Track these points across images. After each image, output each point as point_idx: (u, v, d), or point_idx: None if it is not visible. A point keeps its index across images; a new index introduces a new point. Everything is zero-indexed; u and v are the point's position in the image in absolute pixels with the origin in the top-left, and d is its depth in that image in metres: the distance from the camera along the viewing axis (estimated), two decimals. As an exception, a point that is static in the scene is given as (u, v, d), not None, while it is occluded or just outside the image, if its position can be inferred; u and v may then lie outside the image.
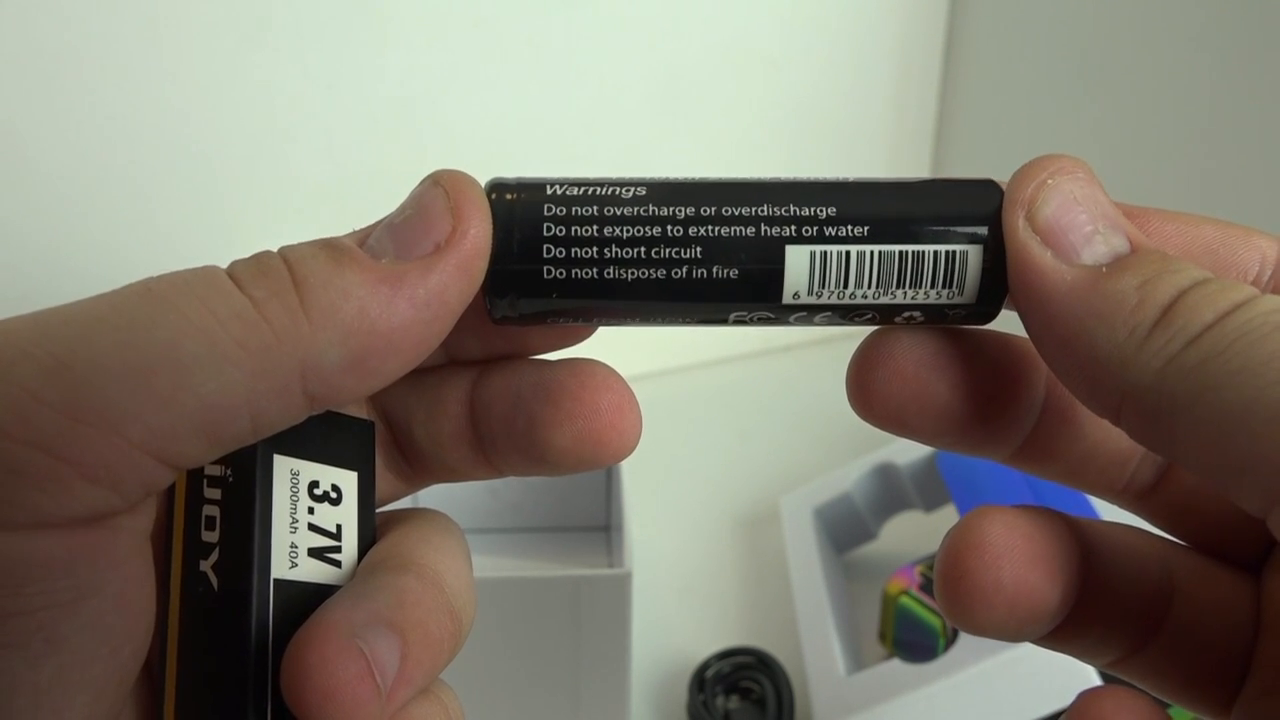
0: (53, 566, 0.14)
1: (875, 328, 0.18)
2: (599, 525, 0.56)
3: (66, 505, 0.13)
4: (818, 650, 0.45)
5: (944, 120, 0.75)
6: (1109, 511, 0.20)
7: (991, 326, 0.18)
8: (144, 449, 0.14)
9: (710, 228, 0.16)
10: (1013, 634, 0.17)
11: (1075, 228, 0.16)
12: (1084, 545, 0.18)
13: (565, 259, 0.16)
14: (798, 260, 0.16)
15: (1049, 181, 0.16)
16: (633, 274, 0.16)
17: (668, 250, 0.16)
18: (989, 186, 0.17)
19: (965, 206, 0.17)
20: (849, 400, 0.18)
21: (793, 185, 0.17)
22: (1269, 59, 0.48)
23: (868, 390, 0.17)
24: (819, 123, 0.72)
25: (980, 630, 0.17)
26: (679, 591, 0.54)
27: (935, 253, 0.16)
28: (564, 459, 0.17)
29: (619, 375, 0.18)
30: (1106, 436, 0.18)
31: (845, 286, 0.16)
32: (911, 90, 0.73)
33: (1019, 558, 0.17)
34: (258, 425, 0.15)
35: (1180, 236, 0.17)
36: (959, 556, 0.17)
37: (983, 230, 0.16)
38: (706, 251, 0.16)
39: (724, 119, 0.69)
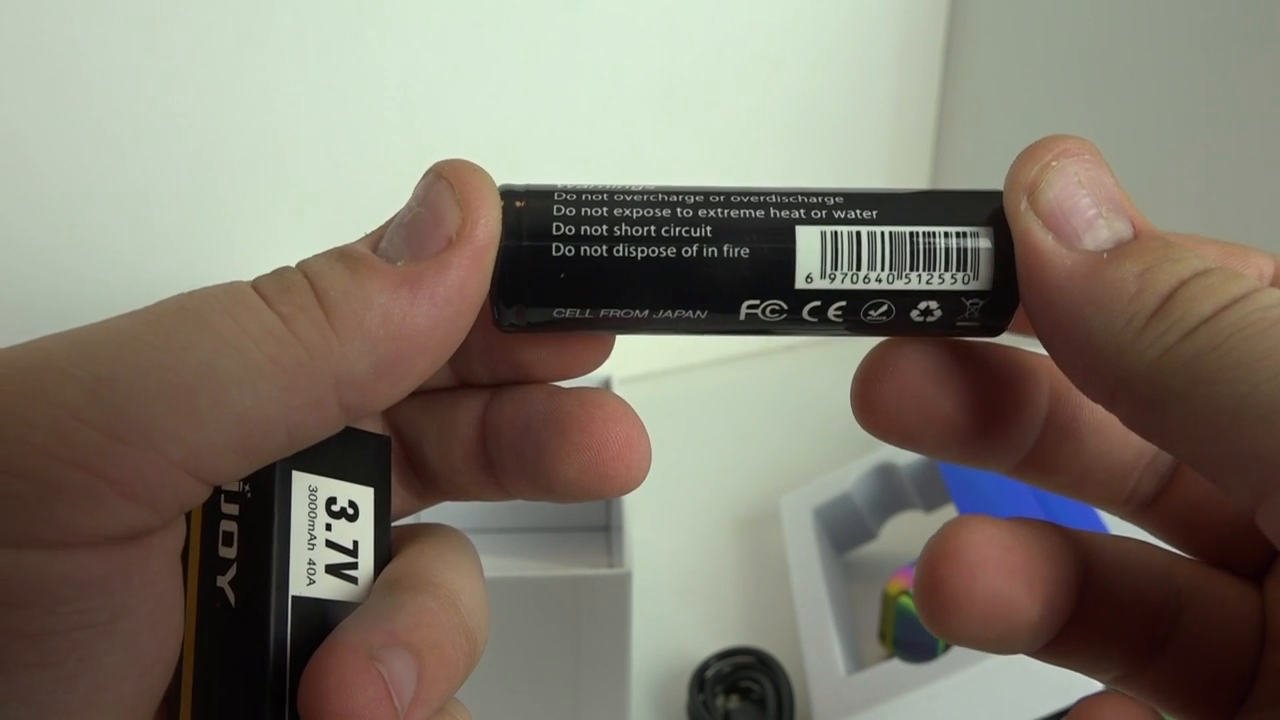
0: (88, 585, 0.14)
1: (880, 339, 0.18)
2: (599, 525, 0.56)
3: (103, 523, 0.13)
4: (818, 650, 0.46)
5: (944, 120, 0.75)
6: (1117, 524, 0.20)
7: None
8: (182, 466, 0.14)
9: (720, 210, 0.16)
10: (993, 645, 0.17)
11: (1078, 212, 0.15)
12: (1082, 559, 0.18)
13: (575, 235, 0.16)
14: (809, 240, 0.16)
15: (1053, 164, 0.16)
16: (642, 252, 0.16)
17: (677, 229, 0.16)
18: (996, 193, 0.17)
19: (974, 197, 0.17)
20: (853, 412, 0.18)
21: (799, 188, 0.17)
22: (1269, 59, 0.48)
23: (872, 403, 0.17)
24: (819, 123, 0.72)
25: (958, 639, 0.17)
26: (679, 591, 0.55)
27: (946, 233, 0.16)
28: (571, 490, 0.17)
29: (629, 406, 0.18)
30: (1108, 450, 0.18)
31: (858, 268, 0.16)
32: (911, 90, 0.73)
33: (993, 569, 0.17)
34: (294, 439, 0.15)
35: None
36: (934, 565, 0.17)
37: (992, 213, 0.16)
38: (716, 230, 0.16)
39: (724, 119, 0.69)
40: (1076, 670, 0.18)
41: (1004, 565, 0.17)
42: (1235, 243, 0.17)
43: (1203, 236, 0.17)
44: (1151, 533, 0.19)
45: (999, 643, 0.17)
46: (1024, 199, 0.16)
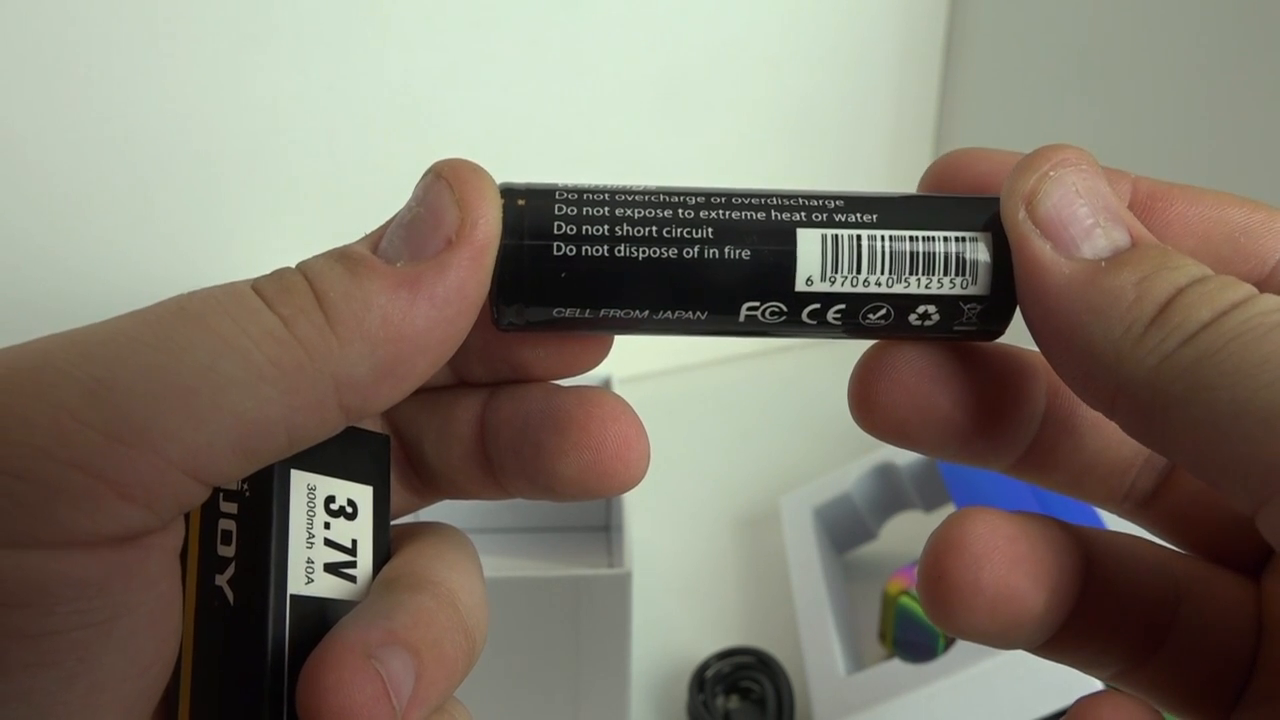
0: (86, 586, 0.14)
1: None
2: (599, 525, 0.56)
3: (102, 524, 0.13)
4: (818, 650, 0.46)
5: (944, 120, 0.75)
6: (1116, 523, 0.20)
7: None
8: (181, 467, 0.14)
9: (721, 212, 0.16)
10: (997, 638, 0.17)
11: (1076, 221, 0.16)
12: (1083, 553, 0.18)
13: (576, 235, 0.16)
14: (809, 243, 0.16)
15: (1051, 173, 0.16)
16: (643, 252, 0.16)
17: (679, 230, 0.16)
18: (995, 199, 0.17)
19: (972, 203, 0.17)
20: (851, 412, 0.18)
21: (799, 190, 0.17)
22: (1270, 59, 0.48)
23: (870, 402, 0.17)
24: (819, 123, 0.72)
25: (963, 633, 0.17)
26: (679, 591, 0.55)
27: (945, 238, 0.16)
28: (569, 489, 0.17)
29: (627, 405, 0.18)
30: (1106, 446, 0.18)
31: (858, 272, 0.16)
32: (911, 90, 0.73)
33: (999, 560, 0.17)
34: (293, 440, 0.15)
35: (1202, 222, 0.17)
36: (939, 557, 0.17)
37: (990, 219, 0.17)
38: (718, 232, 0.16)
39: (724, 119, 0.69)
40: (1075, 667, 0.18)
41: (1009, 556, 0.17)
42: (1263, 204, 0.17)
43: (1229, 196, 0.17)
44: (1149, 530, 0.19)
45: (1003, 635, 0.17)
46: (1022, 208, 0.16)
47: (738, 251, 0.16)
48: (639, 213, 0.16)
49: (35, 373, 0.14)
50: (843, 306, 0.17)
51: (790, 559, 0.52)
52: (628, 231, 0.16)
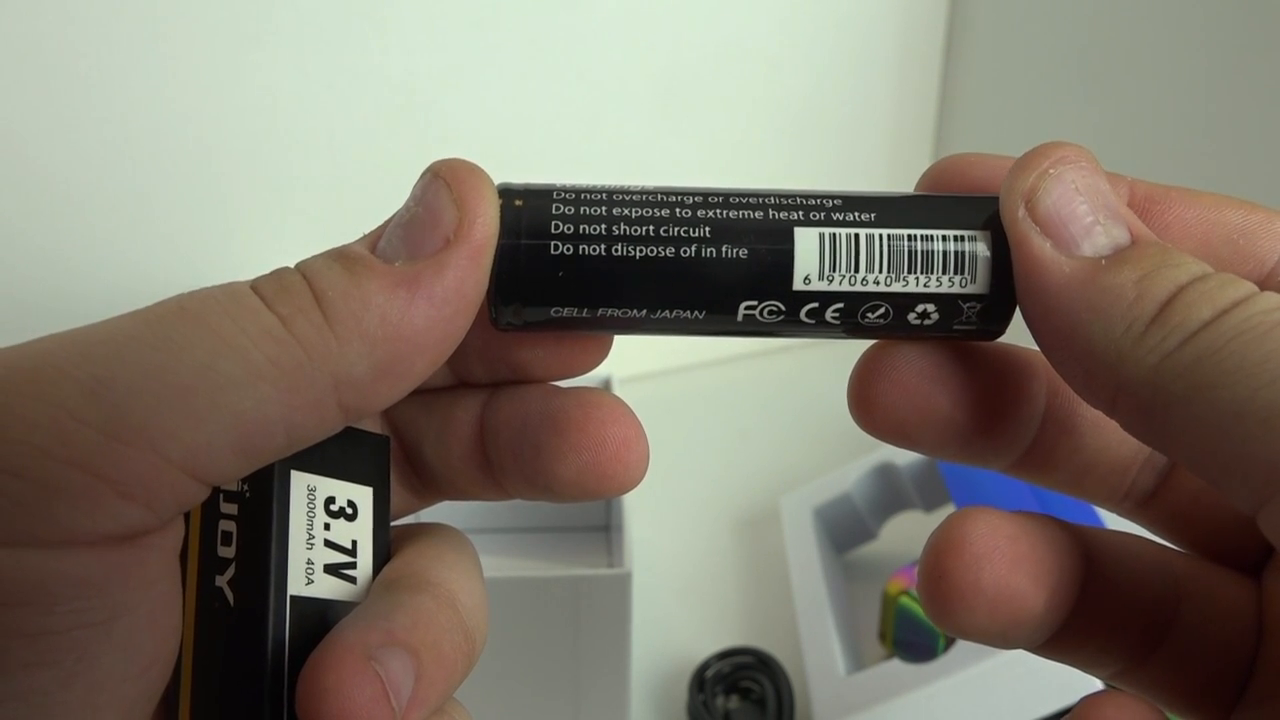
0: (86, 585, 0.14)
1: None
2: (599, 525, 0.56)
3: (101, 522, 0.13)
4: (818, 650, 0.46)
5: (944, 120, 0.75)
6: (1116, 523, 0.20)
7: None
8: (180, 466, 0.14)
9: (719, 211, 0.16)
10: (997, 638, 0.17)
11: (1075, 219, 0.15)
12: (1083, 552, 0.18)
13: (574, 235, 0.16)
14: (807, 241, 0.16)
15: (1051, 171, 0.16)
16: (640, 252, 0.16)
17: (676, 229, 0.16)
18: (994, 198, 0.17)
19: (971, 202, 0.17)
20: (851, 412, 0.18)
21: (797, 190, 0.17)
22: (1270, 58, 0.48)
23: (870, 402, 0.17)
24: (819, 123, 0.72)
25: (963, 633, 0.17)
26: (679, 591, 0.55)
27: (944, 236, 0.16)
28: (568, 490, 0.17)
29: (626, 406, 0.18)
30: (1106, 445, 0.18)
31: (856, 270, 0.16)
32: (911, 90, 0.73)
33: (1000, 560, 0.17)
34: (292, 440, 0.15)
35: (1201, 224, 0.17)
36: (939, 557, 0.17)
37: (990, 217, 0.16)
38: (715, 231, 0.16)
39: (724, 119, 0.69)
40: (1075, 666, 0.18)
41: (1010, 556, 0.17)
42: (1260, 206, 0.17)
43: (1226, 198, 0.17)
44: (1150, 529, 0.19)
45: (1004, 635, 0.17)
46: (1021, 206, 0.16)
47: (735, 250, 0.16)
48: (636, 212, 0.16)
49: (35, 372, 0.14)
50: (841, 305, 0.17)
51: (790, 559, 0.52)
52: (625, 231, 0.16)
